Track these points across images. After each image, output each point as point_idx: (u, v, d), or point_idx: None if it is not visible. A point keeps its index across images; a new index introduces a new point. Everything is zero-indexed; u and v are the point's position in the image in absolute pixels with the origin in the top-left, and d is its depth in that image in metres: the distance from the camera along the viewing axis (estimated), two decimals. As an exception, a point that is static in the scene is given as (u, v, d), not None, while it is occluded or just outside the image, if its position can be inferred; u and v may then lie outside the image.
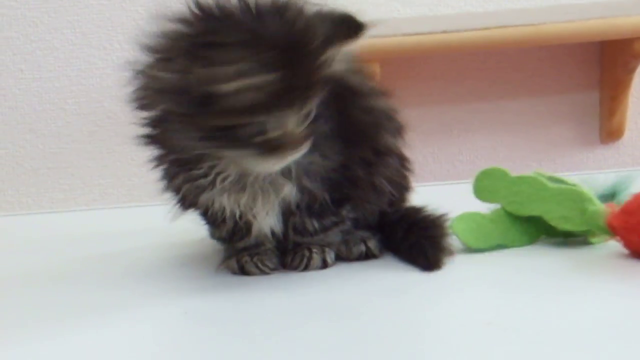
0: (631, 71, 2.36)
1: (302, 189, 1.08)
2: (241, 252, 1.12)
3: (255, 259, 1.11)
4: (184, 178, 1.06)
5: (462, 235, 1.13)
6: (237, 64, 0.94)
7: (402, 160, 1.17)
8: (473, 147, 2.41)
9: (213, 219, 1.12)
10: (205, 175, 1.05)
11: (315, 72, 0.99)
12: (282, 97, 0.97)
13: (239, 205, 1.07)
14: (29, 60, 2.28)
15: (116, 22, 2.28)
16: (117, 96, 2.24)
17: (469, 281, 1.03)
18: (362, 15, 1.01)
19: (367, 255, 1.14)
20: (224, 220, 1.10)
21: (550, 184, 1.11)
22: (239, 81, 0.94)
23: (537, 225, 1.13)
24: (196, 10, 1.00)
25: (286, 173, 1.06)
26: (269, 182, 1.06)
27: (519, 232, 1.13)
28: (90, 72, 2.30)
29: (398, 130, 1.14)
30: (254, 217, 1.08)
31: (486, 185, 1.16)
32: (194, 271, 1.14)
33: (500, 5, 2.38)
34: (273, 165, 1.02)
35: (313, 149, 1.04)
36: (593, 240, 1.10)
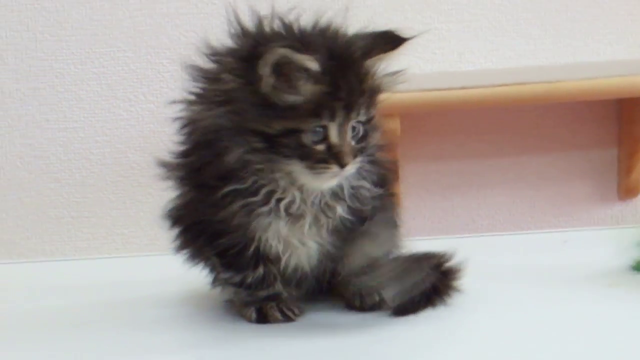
0: (649, 128, 2.37)
1: (352, 212, 1.10)
2: (264, 300, 1.13)
3: (281, 305, 1.12)
4: (242, 208, 1.07)
5: None
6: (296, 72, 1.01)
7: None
8: (492, 202, 2.41)
9: (243, 263, 1.12)
10: (264, 203, 1.07)
11: (360, 80, 1.05)
12: (331, 103, 1.03)
13: (291, 234, 1.09)
14: (55, 111, 2.31)
15: (141, 74, 2.31)
16: (140, 147, 2.28)
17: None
18: (402, 31, 1.08)
19: (381, 306, 1.14)
20: (256, 265, 1.11)
21: None
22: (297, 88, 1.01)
23: None
24: (244, 30, 1.07)
25: (338, 195, 1.09)
26: (323, 205, 1.09)
27: None
28: (114, 124, 2.33)
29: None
30: (295, 247, 1.10)
31: None
32: (211, 319, 1.16)
33: (520, 62, 2.39)
34: (330, 179, 1.06)
35: (360, 175, 1.10)
36: None
